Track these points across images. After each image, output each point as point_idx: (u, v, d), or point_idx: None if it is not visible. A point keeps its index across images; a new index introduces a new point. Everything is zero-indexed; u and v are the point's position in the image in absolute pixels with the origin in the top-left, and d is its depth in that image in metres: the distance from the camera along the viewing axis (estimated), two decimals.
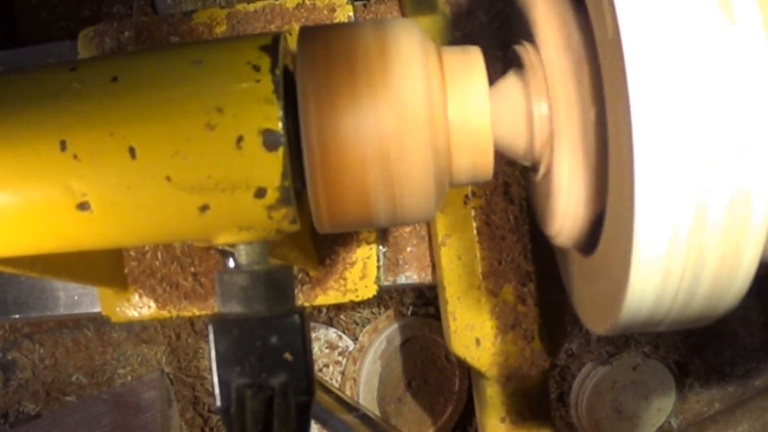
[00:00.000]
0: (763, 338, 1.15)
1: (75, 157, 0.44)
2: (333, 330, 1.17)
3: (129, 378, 1.21)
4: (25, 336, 1.22)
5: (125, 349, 1.22)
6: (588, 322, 0.53)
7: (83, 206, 0.44)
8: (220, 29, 0.74)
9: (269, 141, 0.43)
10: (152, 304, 0.74)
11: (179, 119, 0.43)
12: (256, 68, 0.44)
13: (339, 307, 1.17)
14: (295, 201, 0.45)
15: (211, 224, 0.46)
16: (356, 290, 0.72)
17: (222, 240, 0.47)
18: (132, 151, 0.43)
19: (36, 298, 0.82)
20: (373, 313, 1.17)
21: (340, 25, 0.49)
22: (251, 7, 0.74)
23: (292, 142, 0.44)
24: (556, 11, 0.49)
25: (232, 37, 0.70)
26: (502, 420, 0.72)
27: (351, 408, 0.75)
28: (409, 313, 1.15)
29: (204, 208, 0.44)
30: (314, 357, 1.15)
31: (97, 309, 0.78)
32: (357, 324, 1.17)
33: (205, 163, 0.43)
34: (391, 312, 1.15)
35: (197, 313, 0.74)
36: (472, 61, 0.48)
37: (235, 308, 0.46)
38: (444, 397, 1.13)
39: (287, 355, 0.45)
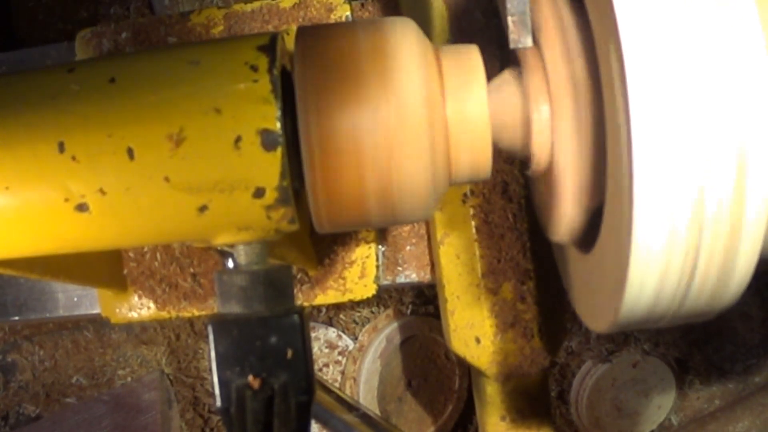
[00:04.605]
0: (763, 334, 1.15)
1: (73, 158, 0.44)
2: (332, 329, 1.17)
3: (129, 379, 1.21)
4: (24, 338, 1.22)
5: (125, 350, 1.22)
6: (587, 320, 0.53)
7: (82, 207, 0.44)
8: (218, 30, 0.74)
9: (267, 141, 0.43)
10: (152, 305, 0.74)
11: (177, 120, 0.43)
12: (254, 68, 0.44)
13: (338, 307, 1.17)
14: (294, 201, 0.45)
15: (209, 225, 0.46)
16: (355, 290, 0.72)
17: (221, 240, 0.47)
18: (130, 152, 0.43)
19: (35, 300, 0.82)
20: (372, 312, 1.17)
21: (338, 25, 0.49)
22: (248, 7, 0.74)
23: (290, 141, 0.44)
24: (556, 11, 0.49)
25: (229, 38, 0.70)
26: (503, 418, 0.72)
27: (351, 407, 0.75)
28: (409, 312, 1.15)
29: (203, 208, 0.44)
30: (314, 357, 1.14)
31: (96, 310, 0.78)
32: (356, 323, 1.17)
33: (204, 163, 0.43)
34: (390, 311, 1.15)
35: (197, 313, 0.74)
36: (470, 59, 0.48)
37: (235, 308, 0.46)
38: (444, 395, 1.13)
39: (287, 355, 0.45)
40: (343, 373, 1.16)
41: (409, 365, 1.13)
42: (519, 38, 0.47)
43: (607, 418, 1.14)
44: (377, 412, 1.10)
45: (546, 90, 0.49)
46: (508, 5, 0.46)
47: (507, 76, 0.51)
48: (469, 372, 1.06)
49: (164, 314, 0.74)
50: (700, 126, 0.38)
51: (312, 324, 1.16)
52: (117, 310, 0.75)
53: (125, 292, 0.74)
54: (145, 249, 0.73)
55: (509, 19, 0.47)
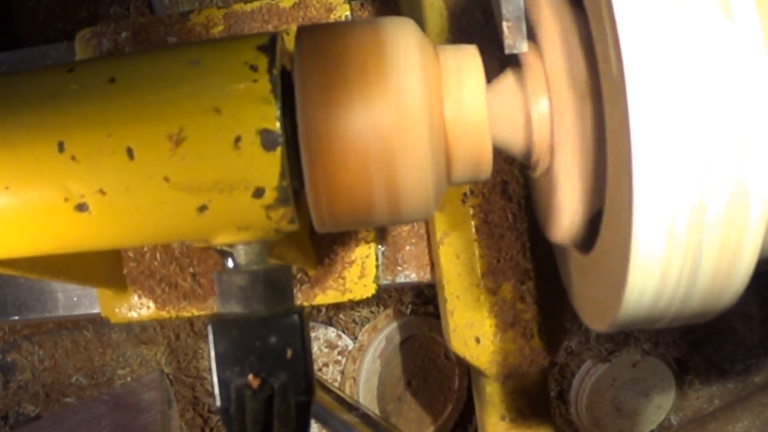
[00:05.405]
0: (763, 334, 1.15)
1: (73, 158, 0.44)
2: (332, 329, 1.17)
3: (129, 379, 1.21)
4: (24, 338, 1.22)
5: (125, 350, 1.22)
6: (587, 320, 0.53)
7: (81, 207, 0.44)
8: (217, 29, 0.74)
9: (267, 141, 0.43)
10: (151, 304, 0.74)
11: (177, 120, 0.43)
12: (254, 68, 0.44)
13: (338, 307, 1.17)
14: (294, 201, 0.45)
15: (209, 224, 0.46)
16: (355, 289, 0.72)
17: (220, 240, 0.47)
18: (130, 152, 0.43)
19: (35, 300, 0.82)
20: (372, 312, 1.17)
21: (338, 25, 0.49)
22: (248, 7, 0.74)
23: (290, 141, 0.44)
24: (556, 11, 0.49)
25: (229, 37, 0.70)
26: (502, 418, 0.72)
27: (351, 407, 0.75)
28: (409, 311, 1.15)
29: (202, 208, 0.44)
30: (314, 356, 1.14)
31: (96, 310, 0.78)
32: (356, 323, 1.17)
33: (203, 163, 0.43)
34: (390, 311, 1.15)
35: (196, 313, 0.74)
36: (469, 59, 0.48)
37: (234, 308, 0.46)
38: (444, 395, 1.13)
39: (287, 355, 0.45)
40: (342, 372, 1.16)
41: (409, 365, 1.13)
42: (514, 43, 0.47)
43: (606, 418, 1.14)
44: (377, 412, 1.10)
45: (546, 90, 0.49)
46: (504, 10, 0.46)
47: (507, 76, 0.51)
48: (468, 372, 1.06)
49: (164, 314, 0.74)
50: (701, 126, 0.38)
51: (312, 324, 1.16)
52: (117, 310, 0.75)
53: (125, 292, 0.74)
54: (145, 249, 0.74)
55: (504, 24, 0.47)
